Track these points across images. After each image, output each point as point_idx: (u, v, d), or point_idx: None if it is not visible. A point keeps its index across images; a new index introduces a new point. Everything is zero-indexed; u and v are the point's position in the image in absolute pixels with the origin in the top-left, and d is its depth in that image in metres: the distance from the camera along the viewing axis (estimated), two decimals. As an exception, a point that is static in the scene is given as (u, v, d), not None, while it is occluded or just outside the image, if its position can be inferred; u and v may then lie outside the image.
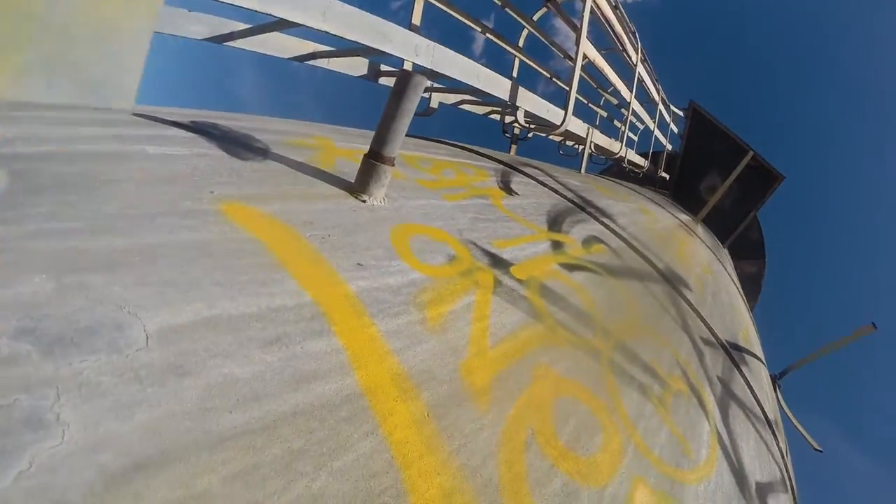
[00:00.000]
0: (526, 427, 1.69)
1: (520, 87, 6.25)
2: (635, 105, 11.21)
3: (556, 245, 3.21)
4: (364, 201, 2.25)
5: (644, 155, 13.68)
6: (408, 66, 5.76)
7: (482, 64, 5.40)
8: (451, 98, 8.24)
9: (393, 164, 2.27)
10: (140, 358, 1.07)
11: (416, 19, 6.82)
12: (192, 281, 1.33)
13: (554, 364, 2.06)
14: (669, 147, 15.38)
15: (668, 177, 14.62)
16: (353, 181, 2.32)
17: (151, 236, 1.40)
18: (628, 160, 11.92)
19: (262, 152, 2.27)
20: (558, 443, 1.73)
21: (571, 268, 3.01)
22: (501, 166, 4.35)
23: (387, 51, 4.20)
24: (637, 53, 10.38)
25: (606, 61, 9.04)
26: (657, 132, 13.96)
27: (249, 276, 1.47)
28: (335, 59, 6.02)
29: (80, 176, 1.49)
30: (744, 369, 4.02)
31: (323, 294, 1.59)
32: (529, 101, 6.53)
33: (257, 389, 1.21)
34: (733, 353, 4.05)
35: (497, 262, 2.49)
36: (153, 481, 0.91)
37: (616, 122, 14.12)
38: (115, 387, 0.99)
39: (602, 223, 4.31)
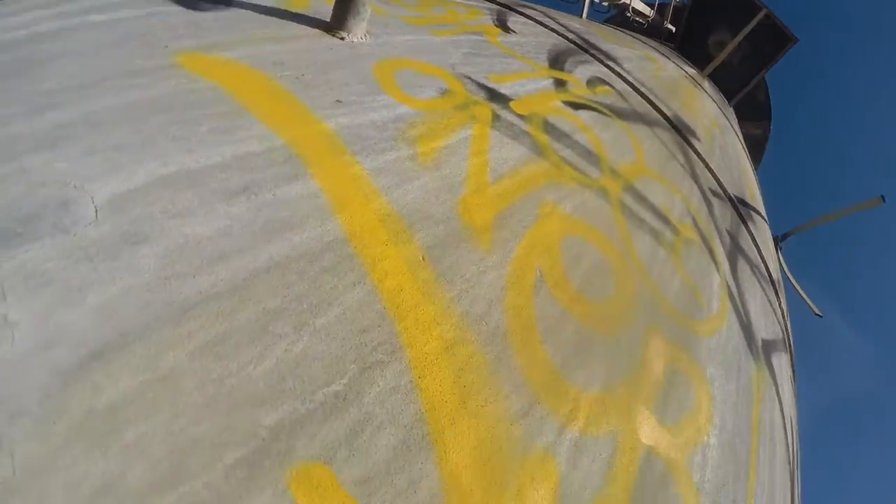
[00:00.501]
0: (534, 269, 1.53)
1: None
2: (644, -53, 10.25)
3: (559, 83, 2.91)
4: (342, 38, 2.01)
5: (650, 5, 12.78)
6: None
7: None
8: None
9: (371, -5, 1.98)
10: (88, 234, 0.97)
11: None
12: (144, 141, 1.19)
13: (561, 202, 1.87)
14: (678, -2, 14.35)
15: (674, 29, 13.80)
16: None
17: (97, 103, 1.24)
18: (633, 8, 11.13)
19: (226, 1, 1.92)
20: (569, 286, 1.59)
21: (576, 106, 2.74)
22: (496, 6, 3.92)
23: None
24: None
25: None
26: (665, -21, 12.93)
27: (210, 126, 1.31)
28: None
29: (17, 61, 1.33)
30: (750, 226, 3.92)
31: (296, 135, 1.41)
32: (526, -68, 5.85)
33: (224, 247, 1.08)
34: (741, 208, 3.92)
35: (495, 96, 2.23)
36: (112, 368, 0.85)
37: (620, -33, 13.04)
38: (62, 271, 0.91)
39: (606, 66, 3.96)
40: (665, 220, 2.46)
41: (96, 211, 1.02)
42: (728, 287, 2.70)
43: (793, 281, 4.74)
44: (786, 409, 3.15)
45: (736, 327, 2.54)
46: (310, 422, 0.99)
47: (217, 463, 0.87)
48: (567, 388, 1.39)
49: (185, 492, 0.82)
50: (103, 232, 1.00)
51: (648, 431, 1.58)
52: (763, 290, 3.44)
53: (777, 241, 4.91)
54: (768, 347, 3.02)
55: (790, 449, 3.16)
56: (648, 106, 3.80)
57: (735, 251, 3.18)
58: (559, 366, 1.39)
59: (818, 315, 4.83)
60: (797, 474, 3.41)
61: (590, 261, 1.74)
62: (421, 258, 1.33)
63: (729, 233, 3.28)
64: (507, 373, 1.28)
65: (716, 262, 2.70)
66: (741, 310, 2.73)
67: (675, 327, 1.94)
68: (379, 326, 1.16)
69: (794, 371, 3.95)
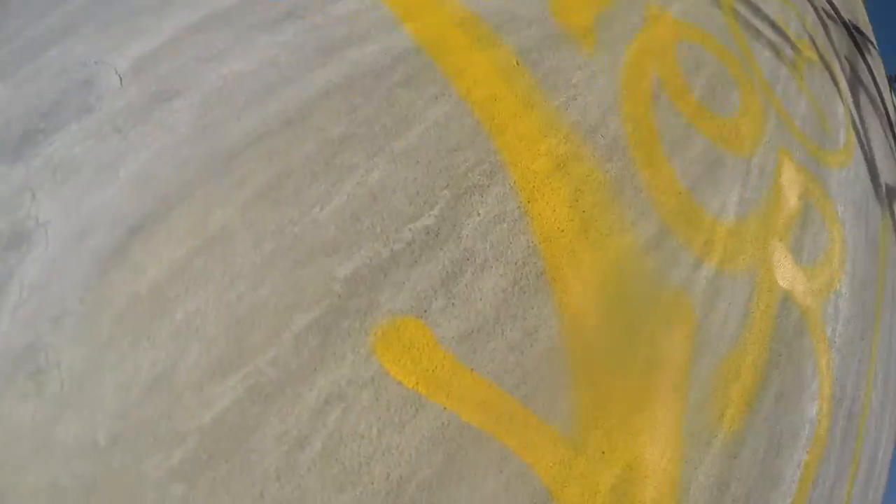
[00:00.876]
0: (649, 75, 1.34)
1: None
2: None
3: None
4: None
5: None
6: None
7: None
8: None
9: None
10: (115, 105, 0.88)
11: None
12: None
13: (668, 5, 1.63)
14: None
15: None
16: None
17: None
18: None
19: None
20: (691, 98, 1.40)
21: None
22: None
23: None
24: None
25: None
26: None
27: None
28: None
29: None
30: (867, 56, 3.53)
31: (339, -48, 1.21)
32: None
33: (270, 79, 0.95)
34: (856, 35, 3.51)
35: None
36: (153, 242, 0.78)
37: None
38: (90, 152, 0.83)
39: None
40: (783, 34, 2.18)
41: (121, 79, 0.93)
42: (852, 118, 2.44)
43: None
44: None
45: (862, 165, 2.32)
46: (395, 267, 0.87)
47: (283, 332, 0.77)
48: (701, 215, 1.24)
49: (247, 373, 0.74)
50: (130, 97, 0.89)
51: (785, 272, 1.44)
52: (883, 129, 3.14)
53: (891, 80, 4.43)
54: (891, 195, 2.79)
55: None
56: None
57: (855, 81, 2.86)
58: (690, 188, 1.23)
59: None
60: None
61: (710, 70, 1.53)
62: (515, 63, 1.15)
63: (848, 60, 2.94)
64: (631, 195, 1.13)
65: (839, 89, 2.43)
66: (866, 146, 2.49)
67: (806, 154, 1.75)
68: (472, 144, 1.01)
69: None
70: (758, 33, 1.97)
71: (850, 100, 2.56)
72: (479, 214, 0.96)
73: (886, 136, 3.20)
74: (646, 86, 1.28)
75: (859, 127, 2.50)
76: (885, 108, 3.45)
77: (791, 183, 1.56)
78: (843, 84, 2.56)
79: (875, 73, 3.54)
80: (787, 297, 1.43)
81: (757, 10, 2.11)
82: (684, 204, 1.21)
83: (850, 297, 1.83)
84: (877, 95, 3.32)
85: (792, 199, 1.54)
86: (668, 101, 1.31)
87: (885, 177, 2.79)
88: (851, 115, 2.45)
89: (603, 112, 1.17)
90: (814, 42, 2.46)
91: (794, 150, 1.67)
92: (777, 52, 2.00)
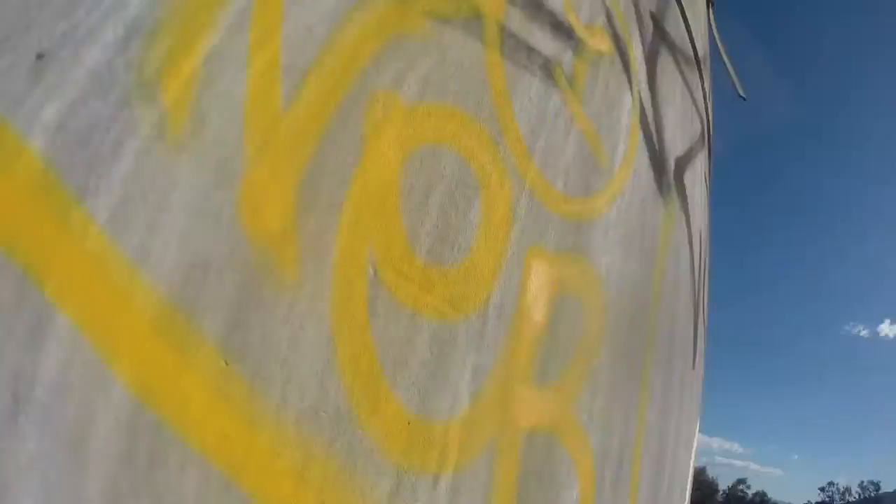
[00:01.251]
0: (363, 262, 1.09)
1: None
2: None
3: None
4: None
5: None
6: None
7: None
8: None
9: None
10: None
11: None
12: None
13: (400, 85, 1.24)
14: None
15: None
16: None
17: None
18: None
19: None
20: (416, 262, 1.21)
21: None
22: None
23: None
24: None
25: None
26: None
27: None
28: None
29: None
30: (682, -5, 3.30)
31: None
32: None
33: None
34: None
35: None
36: None
37: None
38: None
39: None
40: (567, 31, 1.86)
41: None
42: (641, 108, 2.31)
43: (723, 55, 4.26)
44: (694, 228, 3.10)
45: (645, 164, 2.27)
46: None
47: None
48: (431, 429, 1.15)
49: None
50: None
51: (527, 410, 1.41)
52: (685, 81, 3.05)
53: (708, 3, 4.25)
54: (681, 165, 2.81)
55: (696, 277, 3.20)
56: None
57: (657, 41, 2.65)
58: (416, 409, 1.12)
59: (742, 97, 4.42)
60: (703, 298, 3.53)
61: (444, 189, 1.27)
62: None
63: (653, 16, 2.71)
64: (364, 461, 1.01)
65: (629, 76, 2.21)
66: (654, 135, 2.41)
67: (563, 225, 1.65)
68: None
69: (710, 159, 3.86)
70: (529, 53, 1.64)
71: (644, 78, 2.42)
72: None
73: (688, 85, 3.16)
74: (360, 290, 1.03)
75: (649, 112, 2.40)
76: (695, 47, 3.34)
77: (539, 291, 1.45)
78: (638, 61, 2.38)
79: (688, 10, 3.33)
80: (531, 432, 1.41)
81: (536, 10, 1.77)
82: (414, 432, 1.10)
83: (609, 370, 1.89)
84: (685, 38, 3.20)
85: (538, 314, 1.45)
86: (387, 290, 1.07)
87: (679, 146, 2.79)
88: (641, 104, 2.32)
89: (319, 381, 0.96)
90: (610, 20, 2.20)
91: (547, 235, 1.55)
92: (550, 73, 1.71)
